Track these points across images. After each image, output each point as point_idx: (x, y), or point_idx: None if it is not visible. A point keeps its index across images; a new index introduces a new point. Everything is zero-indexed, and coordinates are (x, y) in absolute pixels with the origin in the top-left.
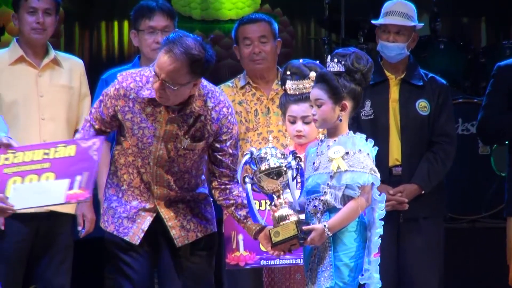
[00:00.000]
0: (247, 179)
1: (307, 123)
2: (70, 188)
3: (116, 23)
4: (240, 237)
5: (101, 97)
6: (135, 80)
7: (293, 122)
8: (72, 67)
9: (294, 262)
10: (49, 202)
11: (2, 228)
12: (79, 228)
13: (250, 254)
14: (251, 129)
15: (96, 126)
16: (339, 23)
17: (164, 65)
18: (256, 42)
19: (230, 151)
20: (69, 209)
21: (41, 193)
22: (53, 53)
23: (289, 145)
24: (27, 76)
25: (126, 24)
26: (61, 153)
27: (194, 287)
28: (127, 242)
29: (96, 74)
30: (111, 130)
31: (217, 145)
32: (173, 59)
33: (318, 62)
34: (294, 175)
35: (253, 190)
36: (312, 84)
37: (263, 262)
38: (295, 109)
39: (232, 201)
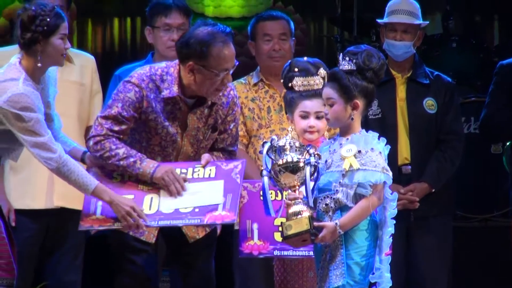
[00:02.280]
0: (264, 172)
1: (319, 119)
2: (214, 209)
3: (128, 20)
4: (255, 226)
5: (118, 106)
6: (152, 79)
7: (305, 117)
8: (84, 63)
9: (307, 254)
10: (190, 222)
11: (13, 224)
12: None
13: (264, 243)
14: (263, 126)
15: (116, 135)
16: (352, 21)
17: (230, 55)
18: (276, 39)
19: (231, 132)
20: (80, 205)
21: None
22: None
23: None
24: None
25: (138, 20)
26: (200, 174)
27: (199, 283)
28: (139, 241)
29: (108, 70)
30: (127, 137)
31: (221, 127)
32: (230, 46)
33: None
34: (312, 172)
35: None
36: (320, 80)
37: (276, 253)
38: (309, 104)
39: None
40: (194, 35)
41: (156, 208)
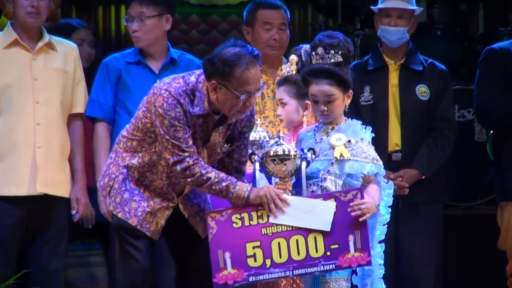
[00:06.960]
0: (256, 157)
1: (282, 106)
2: (345, 250)
3: (113, 8)
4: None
5: (176, 122)
6: (187, 94)
7: None
8: (67, 51)
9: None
10: (325, 269)
11: None
12: (73, 212)
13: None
14: (258, 112)
15: (195, 148)
16: (336, 8)
17: (253, 78)
18: (276, 28)
19: (246, 142)
20: (63, 192)
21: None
22: (47, 37)
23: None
24: (21, 60)
25: (123, 9)
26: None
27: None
28: (141, 231)
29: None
30: None
31: (236, 138)
32: (255, 68)
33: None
34: (306, 167)
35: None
36: (291, 68)
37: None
38: (278, 94)
39: None
40: (220, 53)
41: (286, 255)
